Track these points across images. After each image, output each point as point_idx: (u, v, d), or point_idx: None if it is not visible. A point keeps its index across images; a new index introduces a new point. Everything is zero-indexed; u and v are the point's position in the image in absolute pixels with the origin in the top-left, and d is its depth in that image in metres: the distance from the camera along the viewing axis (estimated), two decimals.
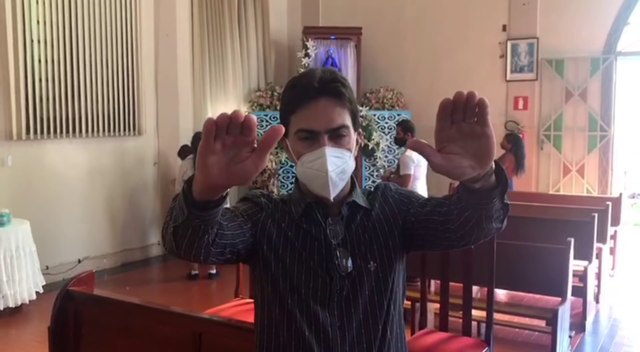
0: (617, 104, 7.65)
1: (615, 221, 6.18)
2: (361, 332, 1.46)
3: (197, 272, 6.52)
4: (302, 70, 7.58)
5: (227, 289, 4.82)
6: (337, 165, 1.40)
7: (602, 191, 7.60)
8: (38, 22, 6.11)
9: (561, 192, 7.64)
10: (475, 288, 3.76)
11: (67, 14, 6.37)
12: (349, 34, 8.34)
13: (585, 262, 4.89)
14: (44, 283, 5.58)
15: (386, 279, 1.48)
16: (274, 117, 7.71)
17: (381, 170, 7.61)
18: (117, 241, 7.11)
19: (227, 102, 8.07)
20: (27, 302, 5.35)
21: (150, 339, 2.50)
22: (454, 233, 1.34)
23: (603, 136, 7.61)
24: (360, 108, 7.24)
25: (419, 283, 3.70)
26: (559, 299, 4.00)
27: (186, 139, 7.11)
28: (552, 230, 4.87)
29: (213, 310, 3.60)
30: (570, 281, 4.08)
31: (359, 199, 1.51)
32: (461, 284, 3.39)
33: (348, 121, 1.45)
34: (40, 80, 6.15)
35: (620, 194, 6.69)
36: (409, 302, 4.13)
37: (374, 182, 7.87)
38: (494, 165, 1.15)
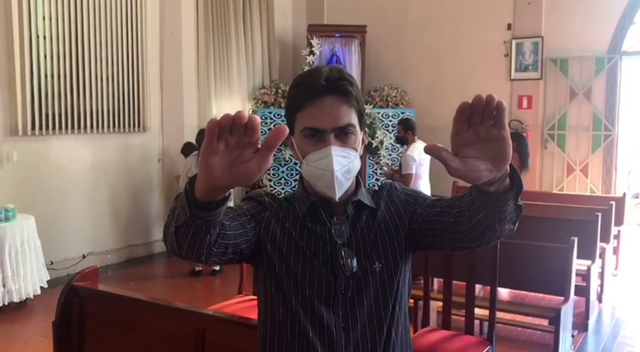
0: (621, 103, 7.64)
1: (619, 221, 6.17)
2: (366, 333, 1.44)
3: (200, 268, 6.54)
4: (307, 68, 7.62)
5: (231, 286, 4.83)
6: (343, 164, 1.38)
7: (605, 191, 7.59)
8: (44, 18, 6.13)
9: (565, 192, 7.62)
10: (477, 287, 3.76)
11: (72, 10, 6.39)
12: (353, 32, 8.33)
13: (588, 262, 4.88)
14: (49, 278, 5.61)
15: (391, 279, 1.46)
16: (278, 115, 7.72)
17: (384, 168, 7.61)
18: (121, 236, 7.13)
19: (232, 99, 8.09)
20: (32, 297, 5.38)
21: (154, 335, 2.51)
22: (464, 235, 1.33)
23: (607, 136, 7.60)
24: (364, 106, 7.24)
25: (422, 281, 3.71)
26: (562, 298, 4.00)
27: (191, 136, 7.13)
28: (556, 229, 4.87)
29: (216, 306, 3.61)
30: (574, 281, 4.08)
31: (365, 198, 1.50)
32: (464, 283, 3.39)
33: (354, 120, 1.43)
34: (45, 76, 6.18)
35: (624, 194, 6.67)
36: (412, 300, 4.13)
37: (377, 180, 7.88)
38: (508, 168, 1.14)
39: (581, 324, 4.88)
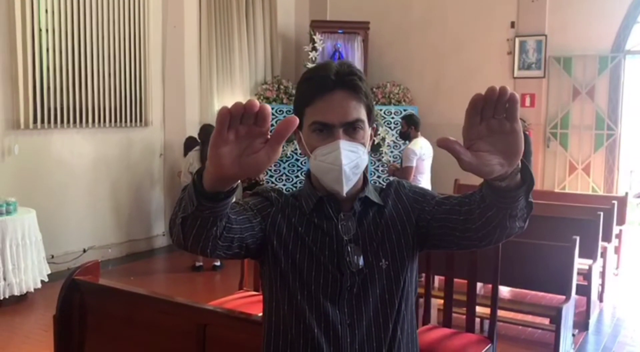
0: (624, 102, 7.62)
1: (621, 220, 6.17)
2: (371, 331, 1.43)
3: (201, 263, 6.54)
4: (310, 64, 7.61)
5: (232, 281, 4.83)
6: (351, 159, 1.37)
7: (607, 190, 7.58)
8: (47, 11, 6.11)
9: (567, 191, 7.61)
10: (479, 285, 3.76)
11: (75, 3, 6.37)
12: (356, 29, 8.32)
13: (589, 261, 4.88)
14: (49, 272, 5.61)
15: (398, 277, 1.45)
16: (279, 111, 7.71)
17: (387, 165, 7.60)
18: (122, 231, 7.13)
19: (234, 94, 8.08)
20: (32, 290, 5.38)
21: (154, 330, 2.50)
22: (475, 233, 1.32)
23: (610, 135, 7.58)
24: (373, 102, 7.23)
25: (423, 279, 3.71)
26: (563, 297, 4.00)
27: (193, 131, 7.12)
28: (558, 228, 4.86)
29: (217, 302, 3.61)
30: (575, 280, 4.08)
31: (372, 195, 1.49)
32: (465, 281, 3.38)
33: (363, 115, 1.43)
34: (48, 69, 6.16)
35: (626, 194, 6.67)
36: None
37: (379, 177, 7.87)
38: (520, 164, 1.13)
39: (582, 323, 4.87)
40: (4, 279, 5.13)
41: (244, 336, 2.21)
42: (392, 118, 7.94)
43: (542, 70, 7.86)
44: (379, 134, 7.72)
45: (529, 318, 4.67)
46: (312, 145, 1.42)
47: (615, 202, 5.79)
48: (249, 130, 1.01)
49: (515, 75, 8.00)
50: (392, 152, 7.87)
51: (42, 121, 6.12)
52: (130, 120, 7.08)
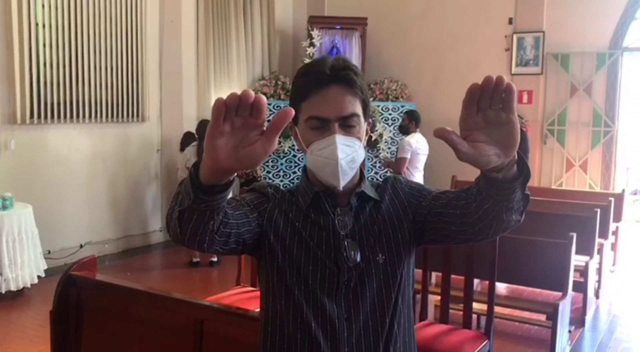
0: (622, 100, 7.63)
1: (617, 217, 6.19)
2: (368, 325, 1.43)
3: (198, 259, 6.53)
4: (307, 59, 7.60)
5: (229, 277, 4.83)
6: (347, 153, 1.37)
7: (604, 187, 7.59)
8: (43, 6, 6.09)
9: (564, 187, 7.63)
10: (475, 281, 3.76)
11: None
12: (354, 24, 8.31)
13: (586, 258, 4.89)
14: (46, 267, 5.60)
15: (394, 272, 1.45)
16: (277, 107, 7.70)
17: (382, 161, 7.60)
18: (119, 226, 7.12)
19: (231, 89, 8.00)
20: (29, 286, 5.38)
21: (151, 325, 2.50)
22: (471, 227, 1.32)
23: (607, 132, 7.59)
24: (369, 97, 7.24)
25: (420, 275, 3.71)
26: (560, 293, 4.00)
27: (190, 126, 7.11)
28: (554, 225, 4.87)
29: (214, 297, 3.61)
30: (572, 276, 4.09)
31: (368, 190, 1.49)
32: (462, 277, 3.39)
33: (359, 110, 1.43)
34: (44, 64, 6.14)
35: (623, 190, 6.68)
36: None
37: (376, 173, 7.87)
38: (516, 155, 1.13)
39: (578, 319, 4.89)
40: (1, 274, 5.13)
41: (241, 331, 2.21)
42: (390, 114, 7.94)
43: (540, 67, 7.86)
44: (377, 131, 7.72)
45: (525, 314, 4.67)
46: (308, 140, 1.42)
47: (612, 199, 5.80)
48: (245, 122, 1.01)
49: (512, 71, 8.01)
50: (389, 148, 7.86)
51: (39, 116, 6.10)
52: (127, 116, 7.06)
